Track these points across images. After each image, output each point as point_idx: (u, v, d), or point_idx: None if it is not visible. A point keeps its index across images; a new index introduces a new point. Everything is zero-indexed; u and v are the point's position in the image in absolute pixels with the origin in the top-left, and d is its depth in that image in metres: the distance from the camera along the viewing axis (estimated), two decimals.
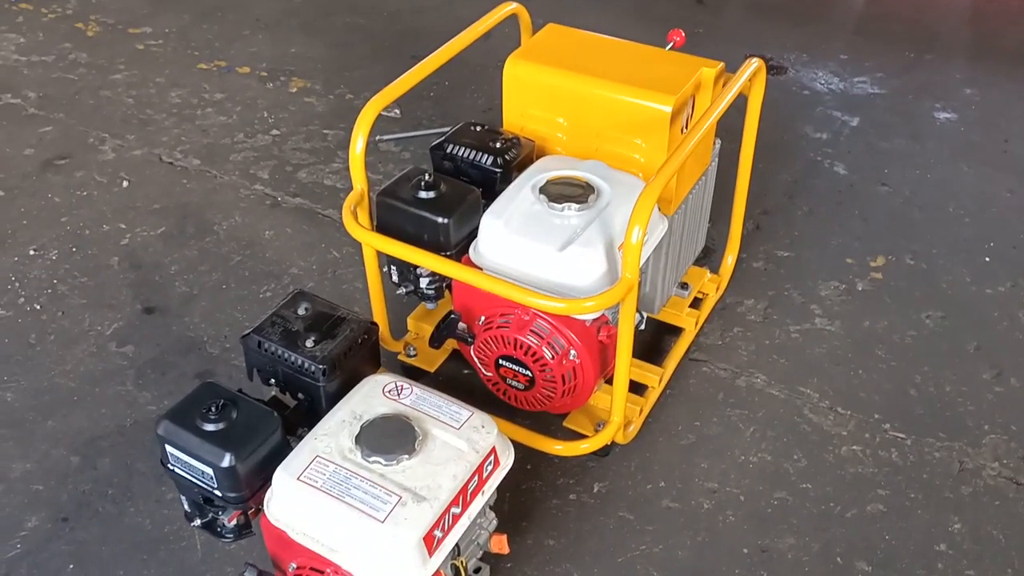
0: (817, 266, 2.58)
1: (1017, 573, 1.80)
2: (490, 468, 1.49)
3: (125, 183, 2.88)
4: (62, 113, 3.22)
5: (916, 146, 3.09)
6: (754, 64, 2.03)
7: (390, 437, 1.43)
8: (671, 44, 2.24)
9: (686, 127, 2.02)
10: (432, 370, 2.16)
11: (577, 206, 1.78)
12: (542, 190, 1.82)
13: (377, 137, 3.08)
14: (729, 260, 2.42)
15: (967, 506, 1.93)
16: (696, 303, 2.34)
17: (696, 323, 2.28)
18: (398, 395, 1.54)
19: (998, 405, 2.15)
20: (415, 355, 2.17)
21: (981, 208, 2.80)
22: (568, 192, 1.81)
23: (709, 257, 2.50)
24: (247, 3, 3.97)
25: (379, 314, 2.10)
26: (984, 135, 3.14)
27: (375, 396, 1.54)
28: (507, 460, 1.54)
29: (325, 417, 1.50)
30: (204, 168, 2.96)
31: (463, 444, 1.46)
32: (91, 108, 3.26)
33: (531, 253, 1.75)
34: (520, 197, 1.82)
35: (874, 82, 3.44)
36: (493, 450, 1.49)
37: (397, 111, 3.25)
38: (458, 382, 2.17)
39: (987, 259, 2.60)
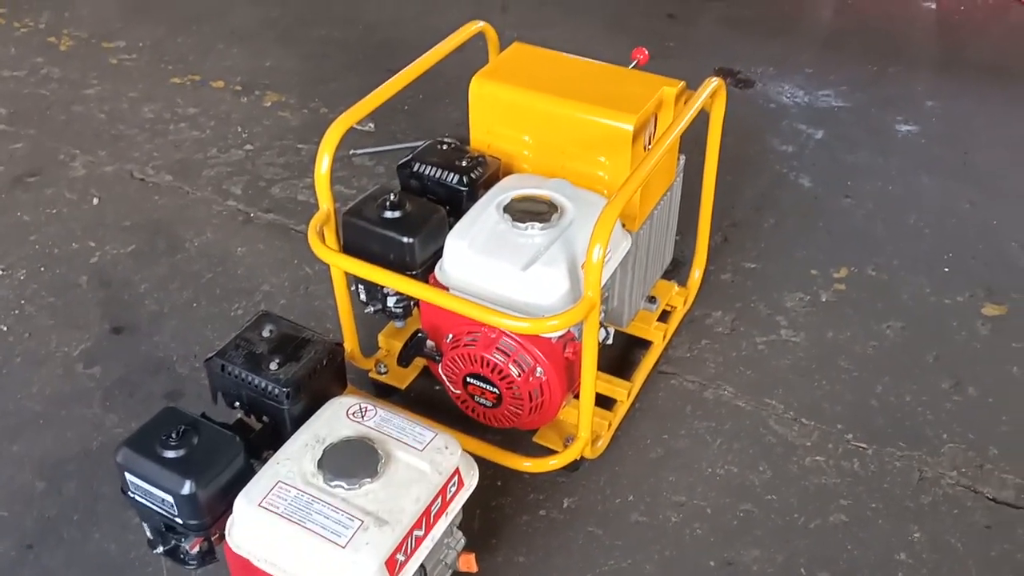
0: (783, 278, 2.62)
1: None
2: (454, 489, 1.51)
3: (95, 200, 2.88)
4: (33, 129, 3.22)
5: (879, 159, 3.14)
6: (714, 82, 2.06)
7: (353, 460, 1.45)
8: (635, 62, 2.28)
9: (649, 144, 2.05)
10: (403, 387, 2.18)
11: (540, 225, 1.80)
12: (506, 209, 1.84)
13: (351, 151, 3.10)
14: (696, 274, 2.46)
15: (926, 515, 1.97)
16: (664, 316, 2.37)
17: (664, 336, 2.31)
18: (362, 417, 1.56)
19: (956, 414, 2.20)
20: (386, 372, 2.18)
21: (941, 219, 2.85)
22: (532, 211, 1.83)
23: (678, 270, 2.53)
24: (223, 15, 3.98)
25: (348, 332, 2.12)
26: (945, 147, 3.20)
27: (339, 419, 1.56)
28: (471, 481, 1.55)
29: (288, 441, 1.52)
30: (176, 184, 2.96)
31: (426, 466, 1.48)
32: (62, 124, 3.26)
33: (495, 272, 1.77)
34: (484, 216, 1.84)
35: (838, 95, 3.50)
36: (457, 471, 1.51)
37: (371, 125, 3.26)
38: (429, 399, 2.19)
39: (946, 269, 2.65)
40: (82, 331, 2.40)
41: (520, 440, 2.09)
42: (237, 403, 1.67)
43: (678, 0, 4.21)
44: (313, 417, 1.58)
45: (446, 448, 1.52)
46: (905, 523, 1.95)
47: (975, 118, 3.36)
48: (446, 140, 2.10)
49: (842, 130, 3.29)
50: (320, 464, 1.46)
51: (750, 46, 3.82)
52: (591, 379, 1.82)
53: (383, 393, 2.20)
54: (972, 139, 3.24)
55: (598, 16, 4.11)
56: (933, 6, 4.20)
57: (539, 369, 1.84)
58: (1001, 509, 1.98)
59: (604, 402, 2.11)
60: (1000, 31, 4.01)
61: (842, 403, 2.23)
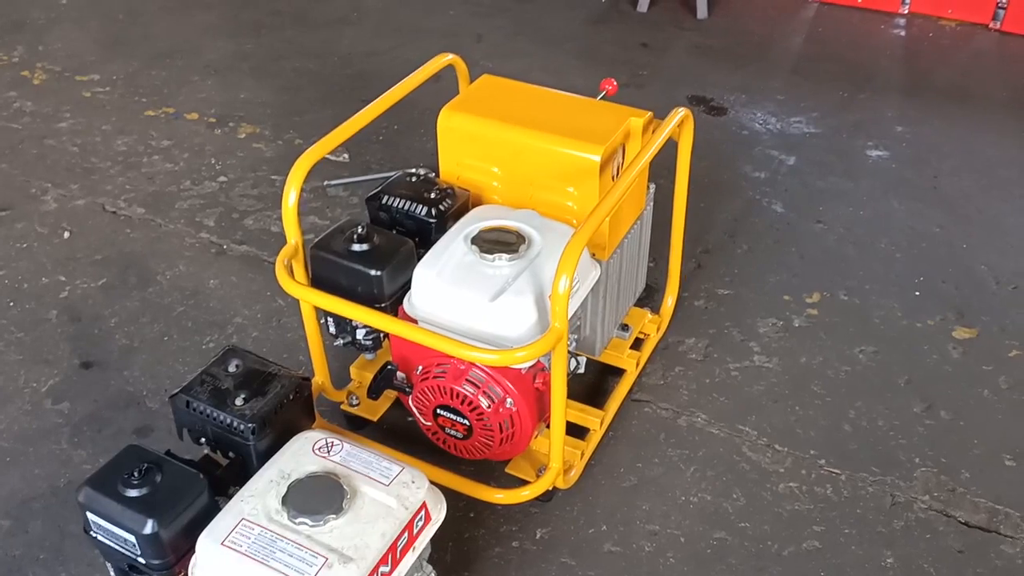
0: (756, 304, 2.63)
1: None
2: (420, 524, 1.50)
3: (67, 234, 2.86)
4: (4, 163, 3.20)
5: (850, 184, 3.18)
6: (681, 112, 2.08)
7: (317, 497, 1.43)
8: (603, 93, 2.30)
9: (617, 175, 2.06)
10: (375, 419, 2.17)
11: (508, 256, 1.81)
12: (474, 240, 1.84)
13: (325, 182, 3.10)
14: (669, 301, 2.47)
15: (899, 540, 1.97)
16: (638, 344, 2.38)
17: (637, 364, 2.31)
18: (328, 452, 1.55)
19: (928, 438, 2.21)
20: (358, 404, 2.17)
21: (911, 243, 2.88)
22: (499, 241, 1.84)
23: (652, 297, 2.54)
24: (198, 49, 3.99)
25: (319, 365, 2.11)
26: (915, 172, 3.24)
27: (304, 454, 1.55)
28: (439, 514, 1.54)
29: (253, 478, 1.50)
30: (148, 217, 2.95)
31: (392, 501, 1.47)
32: (34, 157, 3.24)
33: (463, 304, 1.77)
34: (452, 248, 1.85)
35: (810, 121, 3.54)
36: (423, 506, 1.50)
37: (346, 155, 3.27)
38: (402, 430, 2.18)
39: (917, 293, 2.68)
40: (51, 366, 2.37)
41: (492, 471, 2.07)
42: (203, 439, 1.66)
43: (651, 29, 4.27)
44: (279, 452, 1.56)
45: (412, 482, 1.51)
46: (878, 548, 1.95)
47: (944, 143, 3.41)
48: (416, 172, 2.10)
49: (814, 156, 3.33)
50: (284, 501, 1.44)
51: (722, 74, 3.87)
52: (561, 409, 1.82)
53: (355, 425, 2.18)
54: (941, 163, 3.28)
55: (572, 46, 4.15)
56: (902, 33, 4.27)
57: (509, 400, 1.84)
58: (973, 533, 1.99)
59: (577, 431, 2.11)
60: (966, 57, 4.08)
61: (815, 428, 2.24)
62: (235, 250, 2.81)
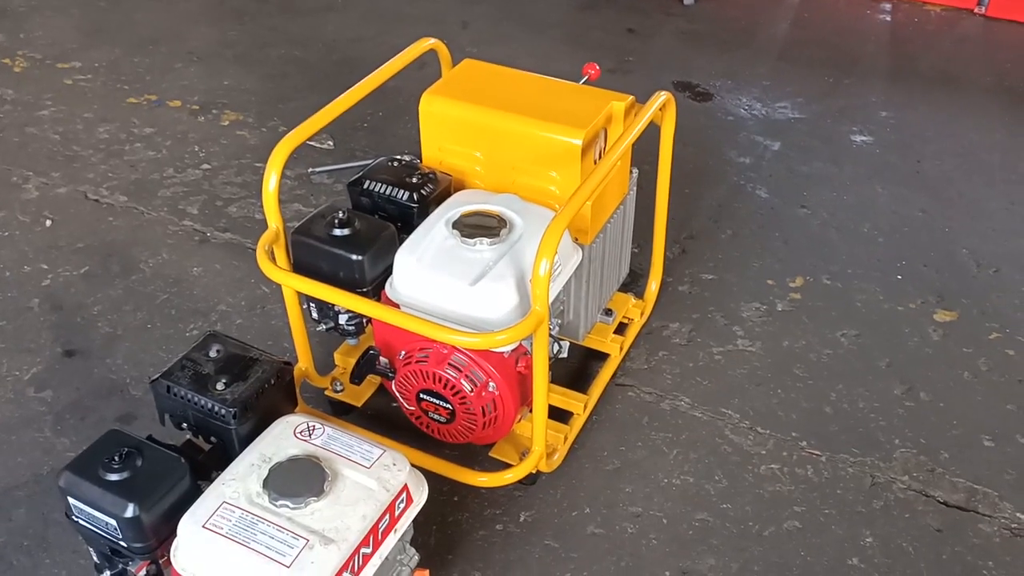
0: (740, 288, 2.64)
1: None
2: (402, 506, 1.50)
3: (48, 222, 2.85)
4: None
5: (834, 169, 3.19)
6: (663, 96, 2.09)
7: (298, 479, 1.43)
8: (586, 78, 2.30)
9: (599, 158, 2.07)
10: (359, 404, 2.17)
11: (489, 240, 1.81)
12: (455, 225, 1.84)
13: (309, 169, 3.09)
14: (652, 286, 2.47)
15: (878, 520, 1.99)
16: (622, 328, 2.38)
17: (621, 349, 2.32)
18: (309, 436, 1.55)
19: (908, 420, 2.23)
20: (342, 390, 2.17)
21: (894, 228, 2.90)
22: (480, 225, 1.84)
23: (636, 282, 2.55)
24: (181, 36, 3.97)
25: (303, 351, 2.11)
26: (899, 157, 3.25)
27: (286, 438, 1.55)
28: (420, 497, 1.55)
29: (235, 461, 1.50)
30: (131, 205, 2.93)
31: (373, 483, 1.47)
32: (15, 146, 3.22)
33: (444, 288, 1.77)
34: (434, 232, 1.85)
35: (794, 107, 3.55)
36: (405, 488, 1.51)
37: (330, 142, 3.27)
38: (386, 416, 2.18)
39: (899, 277, 2.69)
40: (33, 355, 2.36)
41: (476, 455, 2.08)
42: (184, 424, 1.66)
43: (638, 15, 4.26)
44: (260, 436, 1.56)
45: (394, 465, 1.52)
46: (857, 528, 1.97)
47: (928, 128, 3.42)
48: (398, 157, 2.10)
49: (798, 141, 3.33)
50: (266, 483, 1.44)
51: (708, 59, 3.87)
52: (543, 393, 1.83)
53: (339, 411, 2.19)
54: (924, 148, 3.29)
55: (559, 31, 4.14)
56: (888, 19, 4.27)
57: (491, 384, 1.84)
58: (952, 512, 2.01)
59: (561, 415, 2.12)
60: (950, 42, 4.10)
61: (797, 411, 2.25)
62: (219, 238, 2.80)
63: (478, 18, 4.21)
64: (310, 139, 3.30)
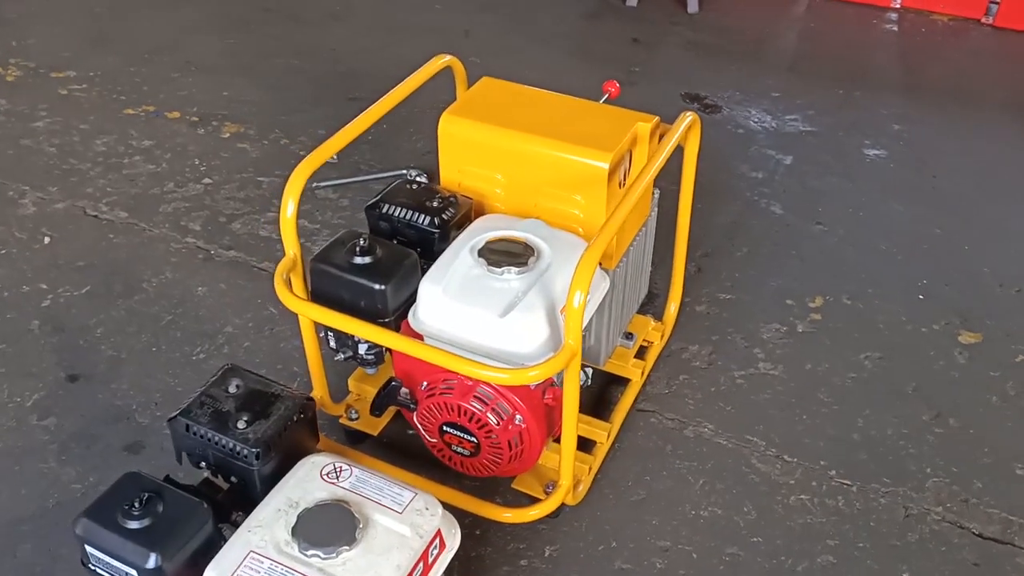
0: (758, 308, 2.59)
1: None
2: (436, 552, 1.44)
3: (47, 239, 2.76)
4: None
5: (848, 184, 3.14)
6: (688, 118, 2.03)
7: (329, 526, 1.37)
8: (606, 96, 2.24)
9: (624, 181, 2.01)
10: (376, 433, 2.10)
11: (517, 269, 1.74)
12: (480, 253, 1.78)
13: (314, 184, 3.02)
14: (672, 308, 2.42)
15: (913, 554, 1.94)
16: (641, 352, 2.33)
17: (642, 373, 2.26)
18: (337, 478, 1.48)
19: (938, 447, 2.18)
20: (357, 418, 2.10)
21: (912, 245, 2.85)
22: (507, 254, 1.77)
23: (653, 302, 2.50)
24: (181, 46, 3.88)
25: (318, 380, 2.03)
26: (913, 172, 3.21)
27: (312, 480, 1.48)
28: (453, 542, 1.49)
29: (260, 506, 1.43)
30: (132, 221, 2.85)
31: (406, 529, 1.41)
32: (11, 159, 3.13)
33: (472, 319, 1.71)
34: (459, 260, 1.78)
35: (805, 120, 3.50)
36: (438, 533, 1.44)
37: (334, 156, 3.17)
38: (403, 444, 2.12)
39: (921, 297, 2.65)
40: (35, 380, 2.28)
41: (498, 486, 2.02)
42: (203, 463, 1.59)
43: (642, 24, 4.21)
44: (285, 478, 1.50)
45: (426, 509, 1.45)
46: (893, 563, 1.92)
47: (941, 142, 3.38)
48: (416, 179, 2.03)
49: (811, 155, 3.29)
50: (295, 531, 1.37)
51: (715, 70, 3.82)
52: (573, 427, 1.76)
53: (355, 439, 2.12)
54: (939, 163, 3.25)
55: (562, 42, 4.08)
56: (895, 28, 4.24)
57: (518, 417, 1.78)
58: (988, 545, 1.96)
59: (584, 444, 2.05)
60: (960, 54, 4.07)
61: (824, 438, 2.20)
62: (223, 256, 2.73)
63: (481, 27, 4.15)
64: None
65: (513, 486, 1.99)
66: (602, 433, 2.08)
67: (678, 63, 3.93)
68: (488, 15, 4.26)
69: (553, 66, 3.78)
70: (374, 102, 2.02)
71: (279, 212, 1.71)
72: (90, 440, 2.13)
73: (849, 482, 2.09)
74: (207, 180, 3.05)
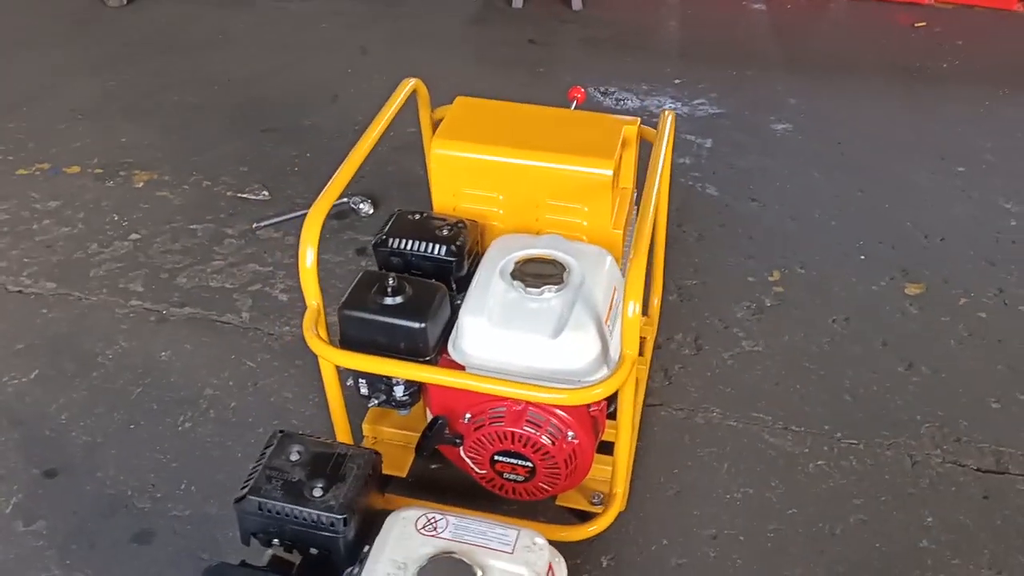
0: (725, 290, 2.69)
1: (992, 554, 1.96)
2: None
3: None
4: None
5: (768, 160, 3.31)
6: (670, 117, 2.08)
7: None
8: (574, 103, 2.26)
9: (616, 184, 2.04)
10: (404, 475, 2.04)
11: (555, 288, 1.74)
12: (514, 275, 1.76)
13: (254, 224, 2.87)
14: (655, 301, 2.47)
15: (930, 498, 2.08)
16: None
17: (647, 368, 2.31)
18: (435, 530, 1.43)
19: (919, 395, 2.34)
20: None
21: (841, 210, 3.04)
22: (540, 273, 1.76)
23: None
24: (56, 91, 3.58)
25: (342, 429, 1.95)
26: (820, 141, 3.42)
27: (410, 537, 1.42)
28: (561, 571, 1.47)
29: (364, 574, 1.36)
30: (63, 291, 2.62)
31: (523, 569, 1.38)
32: None
33: (522, 345, 1.69)
34: (492, 286, 1.75)
35: (712, 103, 3.65)
36: (551, 567, 1.42)
37: (265, 192, 3.05)
38: (431, 481, 2.06)
39: (862, 257, 2.83)
40: (8, 482, 2.06)
41: (539, 505, 2.00)
42: (276, 540, 1.49)
43: (533, 26, 4.26)
44: (378, 541, 1.43)
45: (534, 544, 1.43)
46: (916, 510, 2.05)
47: (835, 110, 3.61)
48: (413, 210, 1.98)
49: (727, 136, 3.44)
50: None
51: (616, 64, 3.92)
52: (628, 433, 1.78)
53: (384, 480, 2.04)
54: (839, 131, 3.48)
55: (460, 49, 4.07)
56: (764, 8, 4.49)
57: (570, 433, 1.78)
58: (988, 477, 2.13)
59: (605, 447, 2.07)
60: (827, 26, 4.36)
61: (820, 404, 2.32)
62: (177, 314, 2.55)
63: (375, 42, 4.07)
64: (243, 192, 3.12)
65: (558, 503, 1.98)
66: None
67: (579, 60, 4.01)
68: (376, 29, 4.19)
69: (462, 75, 3.76)
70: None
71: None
72: (91, 537, 1.95)
73: (855, 441, 2.22)
74: (134, 235, 2.84)
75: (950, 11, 4.38)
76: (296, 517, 1.44)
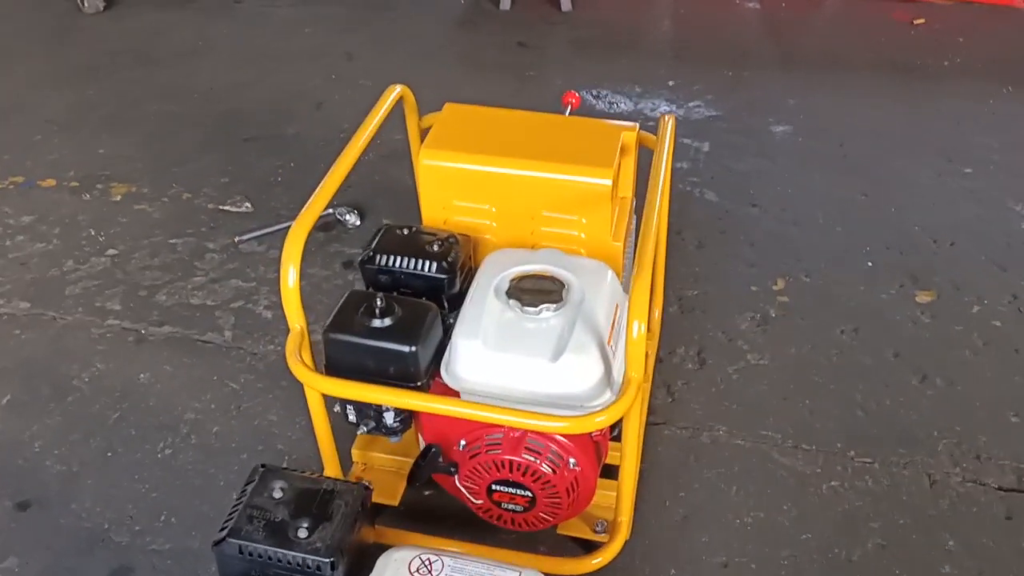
0: (727, 300, 2.59)
1: None
2: None
3: None
4: None
5: (768, 163, 3.21)
6: (670, 122, 1.99)
7: None
8: (568, 108, 2.16)
9: (615, 193, 1.94)
10: (396, 503, 1.93)
11: (554, 306, 1.63)
12: (510, 294, 1.65)
13: (236, 238, 2.76)
14: (656, 314, 2.37)
15: (950, 520, 1.98)
16: None
17: (648, 385, 2.20)
18: (430, 573, 1.32)
19: (935, 409, 2.25)
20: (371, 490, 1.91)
21: (845, 214, 2.95)
22: (538, 291, 1.66)
23: None
24: (30, 103, 3.46)
25: (329, 458, 1.84)
26: (821, 143, 3.33)
27: None
28: None
29: None
30: (37, 311, 2.50)
31: None
32: None
33: (520, 368, 1.58)
34: (487, 306, 1.65)
35: (707, 105, 3.56)
36: None
37: (248, 204, 2.94)
38: (424, 509, 1.95)
39: (870, 263, 2.73)
40: None
41: (538, 535, 1.90)
42: None
43: (522, 28, 4.15)
44: None
45: None
46: (936, 533, 1.95)
47: (834, 110, 3.52)
48: (400, 224, 1.87)
49: (724, 139, 3.34)
50: None
51: (607, 66, 3.82)
52: (633, 459, 1.68)
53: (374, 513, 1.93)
54: (839, 131, 3.38)
55: (449, 54, 3.97)
56: (757, 6, 4.40)
57: (571, 460, 1.67)
58: (1011, 496, 2.03)
59: (608, 470, 1.97)
60: (821, 23, 4.27)
61: (831, 419, 2.22)
62: (157, 334, 2.44)
63: (361, 48, 3.96)
64: (225, 204, 3.00)
65: (560, 532, 1.88)
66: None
67: (569, 62, 3.91)
68: (361, 34, 4.07)
69: (450, 79, 3.66)
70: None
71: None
72: (67, 574, 1.83)
73: (870, 459, 2.12)
74: (111, 251, 2.73)
75: (949, 8, 4.30)
76: (280, 560, 1.33)
